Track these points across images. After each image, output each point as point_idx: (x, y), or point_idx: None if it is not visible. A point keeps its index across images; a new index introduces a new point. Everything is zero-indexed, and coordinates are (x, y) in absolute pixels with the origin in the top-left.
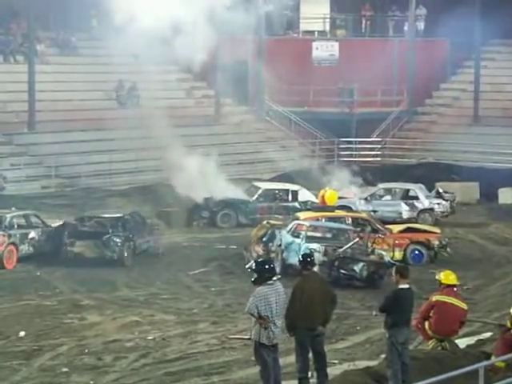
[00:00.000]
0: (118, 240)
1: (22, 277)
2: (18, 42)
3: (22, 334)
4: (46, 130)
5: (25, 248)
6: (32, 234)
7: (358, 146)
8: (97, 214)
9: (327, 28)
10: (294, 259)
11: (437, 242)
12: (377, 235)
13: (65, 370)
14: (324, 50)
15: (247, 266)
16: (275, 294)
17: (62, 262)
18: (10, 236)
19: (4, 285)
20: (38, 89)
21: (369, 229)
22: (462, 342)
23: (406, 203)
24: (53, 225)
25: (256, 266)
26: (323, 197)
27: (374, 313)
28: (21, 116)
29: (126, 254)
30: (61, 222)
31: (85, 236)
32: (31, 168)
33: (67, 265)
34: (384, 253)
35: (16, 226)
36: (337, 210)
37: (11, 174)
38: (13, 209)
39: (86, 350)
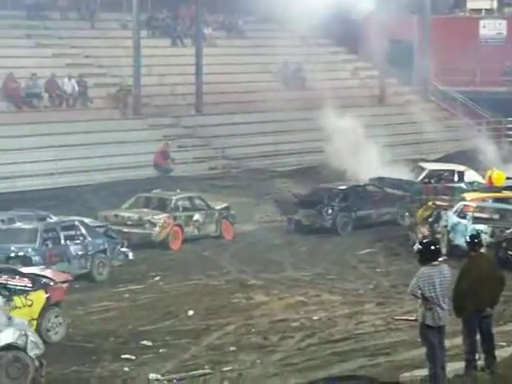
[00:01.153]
0: (330, 210)
1: (188, 257)
2: (186, 26)
3: (191, 312)
4: (212, 112)
5: (189, 230)
6: (196, 217)
7: None
8: (328, 185)
9: (494, 6)
10: (461, 240)
11: None
12: None
13: (232, 348)
14: (491, 29)
15: (413, 248)
16: (440, 275)
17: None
18: (175, 218)
19: (171, 265)
20: (205, 71)
21: None
22: None
23: None
24: (216, 207)
25: (421, 246)
26: (490, 177)
27: None
28: (188, 98)
29: (339, 224)
30: (225, 205)
31: (305, 205)
32: (198, 150)
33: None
34: None
35: (181, 209)
36: (504, 191)
37: (179, 155)
38: (178, 190)
39: (253, 330)
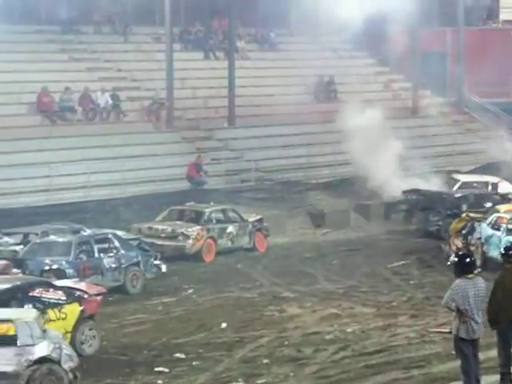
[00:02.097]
0: (435, 218)
1: (221, 270)
2: (219, 39)
3: (224, 325)
4: (245, 125)
5: (223, 242)
6: (230, 229)
7: None
8: (443, 190)
9: None
10: (495, 252)
11: None
12: None
13: (265, 361)
14: None
15: (449, 261)
16: (474, 288)
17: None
18: (208, 230)
19: (205, 277)
20: (237, 84)
21: None
22: None
23: None
24: (249, 219)
25: (456, 259)
26: None
27: None
28: (221, 111)
29: (442, 229)
30: (258, 217)
31: (421, 209)
32: (231, 162)
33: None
34: None
35: (214, 221)
36: None
37: (212, 168)
38: (211, 203)
39: (286, 342)
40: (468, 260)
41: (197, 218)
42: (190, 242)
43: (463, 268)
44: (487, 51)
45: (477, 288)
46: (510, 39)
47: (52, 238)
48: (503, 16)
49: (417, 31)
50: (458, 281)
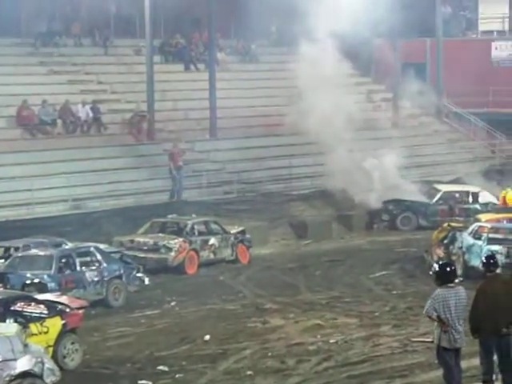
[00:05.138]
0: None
1: (204, 282)
2: (199, 51)
3: (207, 337)
4: (226, 137)
5: (205, 254)
6: (212, 241)
7: None
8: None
9: (506, 27)
10: (476, 261)
11: None
12: None
13: (249, 373)
14: (503, 50)
15: (430, 272)
16: (455, 297)
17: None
18: (190, 242)
19: (187, 290)
20: (218, 96)
21: None
22: None
23: None
24: (232, 231)
25: (437, 268)
26: (504, 198)
27: None
28: (202, 123)
29: None
30: (240, 229)
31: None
32: (213, 174)
33: None
34: None
35: (197, 233)
36: None
37: (193, 180)
38: (193, 215)
39: (270, 354)
40: (449, 269)
41: (179, 230)
42: (173, 254)
43: (444, 277)
44: (466, 62)
45: (458, 297)
46: (489, 50)
47: (33, 251)
48: (482, 27)
49: (397, 42)
50: (439, 290)
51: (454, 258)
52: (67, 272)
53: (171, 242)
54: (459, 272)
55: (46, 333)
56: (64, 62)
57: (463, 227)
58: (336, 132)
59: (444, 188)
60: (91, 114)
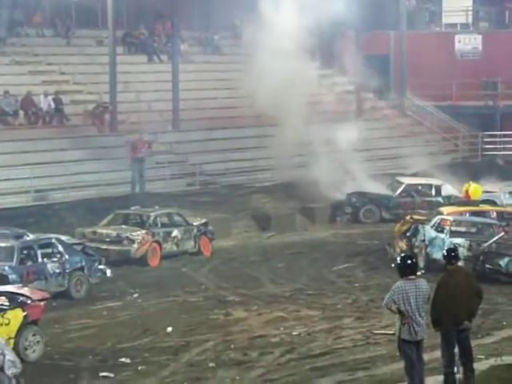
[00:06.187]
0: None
1: (167, 274)
2: (162, 42)
3: (170, 329)
4: (189, 129)
5: (168, 246)
6: (175, 233)
7: (502, 139)
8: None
9: (470, 21)
10: (438, 254)
11: None
12: None
13: (211, 365)
14: (467, 43)
15: (393, 265)
16: (415, 289)
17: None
18: (153, 234)
19: (150, 281)
20: (181, 88)
21: None
22: None
23: None
24: (195, 223)
25: (398, 261)
26: (467, 191)
27: None
28: (165, 115)
29: None
30: (203, 221)
31: None
32: (175, 166)
33: None
34: None
35: (159, 225)
36: (481, 205)
37: (156, 172)
38: (156, 207)
39: (232, 346)
40: (410, 261)
41: (142, 222)
42: (135, 246)
43: (405, 269)
44: (430, 54)
45: (418, 289)
46: (452, 43)
47: None
48: (446, 20)
49: (360, 34)
50: (399, 282)
51: (416, 250)
52: (29, 263)
53: (134, 233)
54: (421, 265)
55: (7, 324)
56: (26, 53)
57: (426, 220)
58: (297, 124)
59: (407, 181)
60: (53, 105)
